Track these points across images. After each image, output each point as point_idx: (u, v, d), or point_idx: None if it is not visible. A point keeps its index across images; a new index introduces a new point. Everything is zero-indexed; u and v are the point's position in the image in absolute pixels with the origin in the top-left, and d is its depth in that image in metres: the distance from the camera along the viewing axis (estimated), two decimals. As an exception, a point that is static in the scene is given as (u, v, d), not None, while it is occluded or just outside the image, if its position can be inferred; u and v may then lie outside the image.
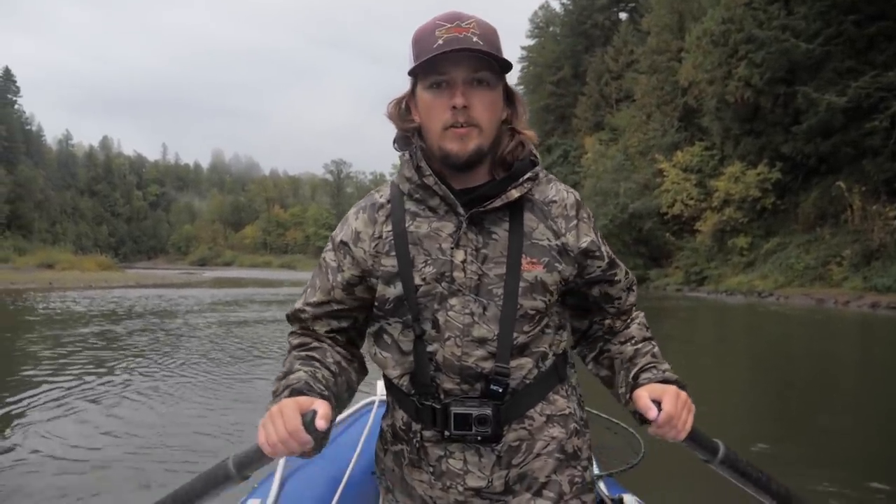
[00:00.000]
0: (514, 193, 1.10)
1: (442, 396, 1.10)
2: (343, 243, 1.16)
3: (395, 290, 1.11)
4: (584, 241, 1.15)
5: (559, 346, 1.18)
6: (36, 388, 5.89)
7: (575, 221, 1.16)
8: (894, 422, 5.20)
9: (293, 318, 1.20)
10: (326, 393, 1.04)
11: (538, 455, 1.13)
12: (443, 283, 1.09)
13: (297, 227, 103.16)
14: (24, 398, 5.50)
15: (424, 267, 1.10)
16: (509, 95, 1.15)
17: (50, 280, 28.77)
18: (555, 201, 1.16)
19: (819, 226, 24.83)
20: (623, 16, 50.16)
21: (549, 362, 1.15)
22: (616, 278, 1.22)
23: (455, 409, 1.08)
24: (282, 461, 1.63)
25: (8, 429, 4.56)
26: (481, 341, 1.08)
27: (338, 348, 1.17)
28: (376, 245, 1.14)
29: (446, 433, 1.09)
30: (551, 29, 55.13)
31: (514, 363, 1.10)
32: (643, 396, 1.06)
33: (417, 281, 1.09)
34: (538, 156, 1.18)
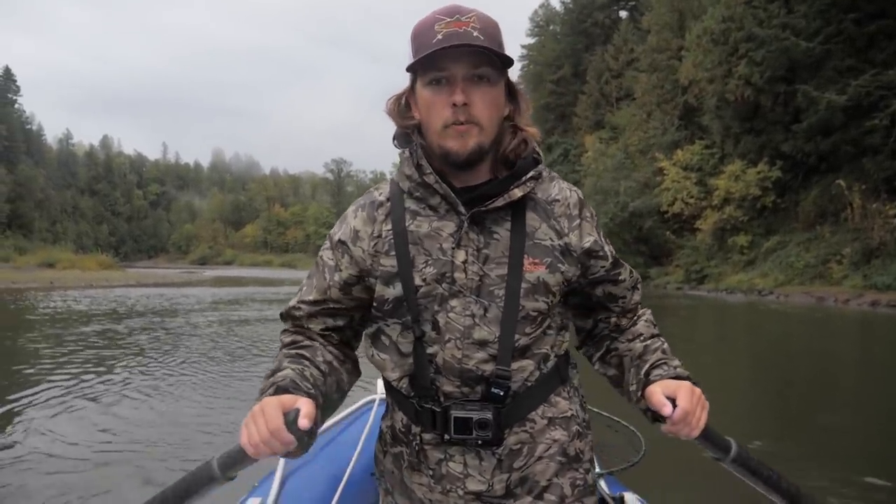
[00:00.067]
0: (517, 193, 1.08)
1: (442, 399, 1.08)
2: (341, 242, 1.14)
3: (394, 290, 1.09)
4: (587, 241, 1.14)
5: (561, 347, 1.16)
6: (36, 387, 5.89)
7: (578, 221, 1.14)
8: (894, 420, 5.19)
9: (287, 315, 1.18)
10: (313, 391, 1.01)
11: (540, 458, 1.11)
12: (443, 284, 1.07)
13: (298, 225, 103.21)
14: (25, 396, 5.50)
15: (425, 267, 1.07)
16: (511, 91, 1.12)
17: (51, 279, 28.73)
18: (558, 200, 1.14)
19: (819, 224, 24.79)
20: (623, 14, 50.15)
21: (550, 364, 1.13)
22: (620, 277, 1.20)
23: (455, 413, 1.06)
24: (282, 460, 1.62)
25: (9, 427, 4.56)
26: (482, 343, 1.06)
27: (330, 348, 1.15)
28: (375, 244, 1.12)
29: (446, 437, 1.07)
30: (551, 27, 55.09)
31: (515, 365, 1.08)
32: (657, 393, 1.02)
33: (418, 282, 1.07)
34: (541, 153, 1.15)
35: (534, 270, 1.08)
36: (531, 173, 1.10)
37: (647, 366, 1.11)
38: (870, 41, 23.31)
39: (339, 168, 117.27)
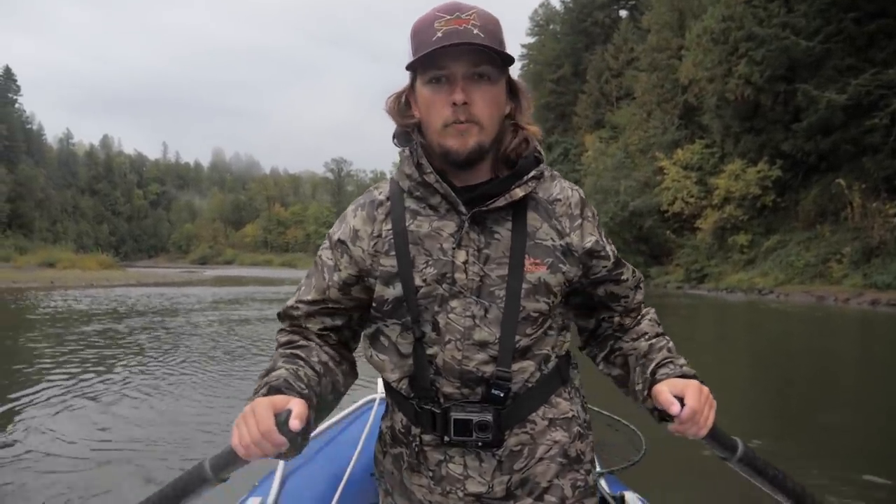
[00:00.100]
0: (518, 192, 1.06)
1: (442, 400, 1.07)
2: (341, 242, 1.13)
3: (394, 290, 1.08)
4: (589, 241, 1.12)
5: (562, 348, 1.15)
6: (37, 386, 5.89)
7: (580, 221, 1.13)
8: (894, 419, 5.19)
9: (284, 315, 1.16)
10: (307, 392, 0.98)
11: (540, 459, 1.10)
12: (444, 285, 1.06)
13: (298, 225, 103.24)
14: (26, 395, 5.50)
15: (425, 267, 1.06)
16: (513, 89, 1.11)
17: (51, 279, 28.72)
18: (559, 200, 1.13)
19: (819, 223, 24.79)
20: (623, 13, 50.15)
21: (551, 364, 1.12)
22: (623, 277, 1.19)
23: (455, 415, 1.05)
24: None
25: (9, 426, 4.56)
26: (482, 345, 1.05)
27: (326, 348, 1.13)
28: (375, 244, 1.10)
29: (446, 438, 1.06)
30: (551, 27, 55.09)
31: (515, 367, 1.07)
32: (664, 392, 1.00)
33: (418, 282, 1.06)
34: (542, 152, 1.14)
35: (535, 271, 1.07)
36: (532, 173, 1.09)
37: (652, 364, 1.09)
38: (870, 40, 23.30)
39: (340, 167, 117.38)
